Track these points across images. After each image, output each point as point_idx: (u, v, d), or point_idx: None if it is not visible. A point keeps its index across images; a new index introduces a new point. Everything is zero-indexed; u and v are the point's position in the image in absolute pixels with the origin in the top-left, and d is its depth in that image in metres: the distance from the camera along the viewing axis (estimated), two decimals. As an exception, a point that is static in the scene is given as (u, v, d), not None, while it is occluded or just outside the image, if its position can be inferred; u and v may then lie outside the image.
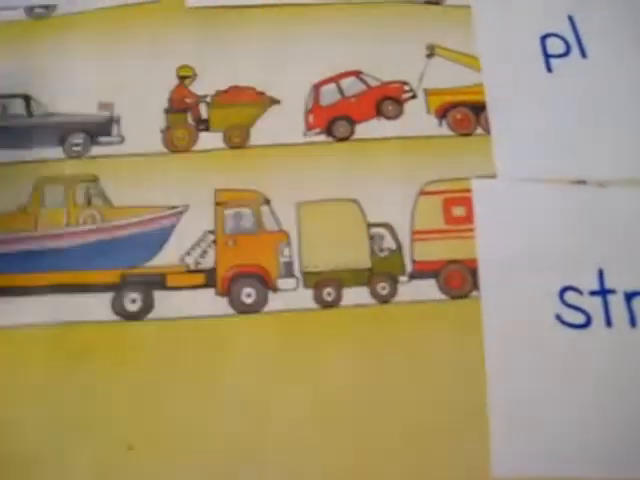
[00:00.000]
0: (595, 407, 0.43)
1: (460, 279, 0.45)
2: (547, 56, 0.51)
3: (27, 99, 0.49)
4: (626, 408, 0.43)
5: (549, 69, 0.51)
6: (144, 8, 0.52)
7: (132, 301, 0.44)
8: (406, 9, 0.52)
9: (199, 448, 0.41)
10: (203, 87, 0.49)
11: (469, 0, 0.53)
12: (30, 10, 0.51)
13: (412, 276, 0.45)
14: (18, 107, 0.49)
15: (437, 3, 0.53)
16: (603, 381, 0.43)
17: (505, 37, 0.52)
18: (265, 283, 0.44)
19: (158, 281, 0.44)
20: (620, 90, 0.50)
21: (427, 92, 0.50)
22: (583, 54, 0.51)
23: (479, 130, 0.49)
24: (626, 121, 0.49)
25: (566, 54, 0.51)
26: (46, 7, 0.52)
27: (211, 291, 0.44)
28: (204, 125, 0.48)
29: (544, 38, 0.52)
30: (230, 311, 0.44)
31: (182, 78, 0.49)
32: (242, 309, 0.44)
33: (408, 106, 0.49)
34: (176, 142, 0.47)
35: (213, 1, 0.52)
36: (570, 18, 0.53)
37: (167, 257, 0.45)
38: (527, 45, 0.52)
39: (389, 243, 0.45)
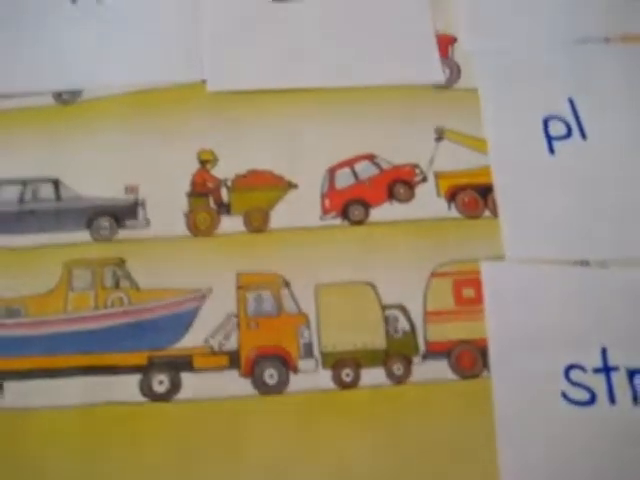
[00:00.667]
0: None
1: (471, 359, 0.47)
2: (549, 138, 0.54)
3: (56, 183, 0.51)
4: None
5: (551, 151, 0.53)
6: (166, 92, 0.54)
7: (160, 382, 0.46)
8: (416, 93, 0.55)
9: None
10: (223, 171, 0.52)
11: (477, 83, 0.55)
12: (58, 96, 0.54)
13: (425, 356, 0.47)
14: (47, 191, 0.51)
15: (446, 87, 0.55)
16: (607, 457, 0.45)
17: (509, 120, 0.55)
18: (287, 364, 0.46)
19: (185, 363, 0.46)
20: (619, 171, 0.53)
21: (437, 175, 0.52)
22: (583, 135, 0.54)
23: (487, 212, 0.51)
24: (626, 201, 0.52)
25: (567, 136, 0.54)
26: (72, 93, 0.54)
27: (235, 372, 0.46)
28: (225, 208, 0.50)
29: (546, 120, 0.54)
30: (253, 392, 0.46)
31: (203, 162, 0.52)
32: (265, 390, 0.46)
33: (419, 189, 0.52)
34: (199, 225, 0.50)
35: (232, 86, 0.54)
36: (570, 101, 0.55)
37: (192, 339, 0.47)
38: (530, 127, 0.54)
39: (403, 324, 0.48)
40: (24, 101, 0.54)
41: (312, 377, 0.46)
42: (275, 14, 0.57)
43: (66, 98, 0.54)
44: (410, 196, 0.51)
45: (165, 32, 0.56)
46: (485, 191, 0.52)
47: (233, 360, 0.46)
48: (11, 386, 0.46)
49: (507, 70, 0.57)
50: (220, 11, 0.57)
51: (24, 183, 0.51)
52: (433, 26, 0.58)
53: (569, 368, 0.47)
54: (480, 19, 0.58)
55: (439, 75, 0.55)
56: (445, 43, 0.57)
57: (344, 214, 0.51)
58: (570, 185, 0.52)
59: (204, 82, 0.55)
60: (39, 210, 0.50)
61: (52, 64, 0.55)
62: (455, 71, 0.56)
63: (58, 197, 0.51)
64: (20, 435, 0.45)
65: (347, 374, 0.46)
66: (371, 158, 0.52)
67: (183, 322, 0.47)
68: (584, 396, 0.47)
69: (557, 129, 0.54)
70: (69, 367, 0.46)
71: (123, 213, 0.50)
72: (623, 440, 0.46)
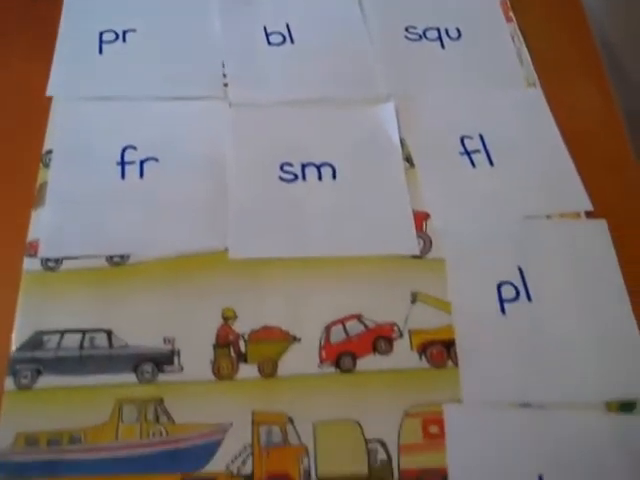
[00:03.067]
0: None
1: (435, 485, 0.61)
2: (501, 301, 0.69)
3: (109, 333, 0.65)
4: None
5: (503, 311, 0.68)
6: (198, 258, 0.68)
7: (192, 501, 0.59)
8: (397, 262, 0.70)
9: None
10: (241, 326, 0.66)
11: (444, 254, 0.70)
12: (110, 258, 0.68)
13: (399, 482, 0.61)
14: (102, 340, 0.65)
15: (420, 257, 0.70)
16: None
17: (469, 285, 0.69)
18: (291, 487, 0.60)
19: (211, 485, 0.59)
20: (563, 326, 0.67)
21: (411, 332, 0.66)
22: (529, 298, 0.69)
23: (450, 363, 0.65)
24: (567, 352, 0.66)
25: (516, 299, 0.69)
26: (122, 256, 0.68)
27: (249, 494, 0.60)
28: (243, 358, 0.64)
29: (500, 285, 0.69)
30: (263, 510, 0.59)
31: (226, 318, 0.66)
32: (272, 509, 0.59)
33: (397, 343, 0.66)
34: (222, 371, 0.64)
35: (249, 254, 0.69)
36: (519, 269, 0.70)
37: (216, 465, 0.60)
38: (486, 292, 0.69)
39: (382, 455, 0.61)
40: (83, 262, 0.68)
41: (311, 498, 0.60)
42: (286, 196, 0.72)
43: (116, 260, 0.68)
44: (390, 349, 0.65)
45: (197, 210, 0.71)
46: (449, 345, 0.66)
47: (248, 483, 0.60)
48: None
49: (468, 243, 0.71)
50: (243, 194, 0.72)
51: (83, 332, 0.65)
52: (410, 205, 0.73)
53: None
54: (446, 202, 0.73)
55: (414, 248, 0.70)
56: (420, 219, 0.72)
57: (337, 364, 0.65)
58: (518, 340, 0.66)
59: (227, 250, 0.69)
60: (95, 355, 0.64)
61: (105, 233, 0.70)
62: (428, 243, 0.71)
63: (110, 345, 0.64)
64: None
65: (338, 496, 0.60)
66: (358, 317, 0.67)
67: (209, 451, 0.61)
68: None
69: (508, 292, 0.69)
70: (119, 485, 0.59)
71: (162, 360, 0.64)
72: None
